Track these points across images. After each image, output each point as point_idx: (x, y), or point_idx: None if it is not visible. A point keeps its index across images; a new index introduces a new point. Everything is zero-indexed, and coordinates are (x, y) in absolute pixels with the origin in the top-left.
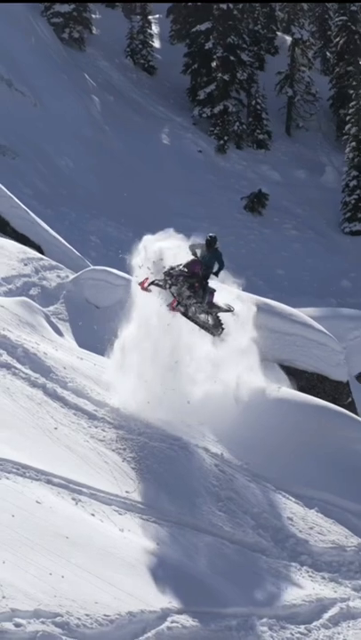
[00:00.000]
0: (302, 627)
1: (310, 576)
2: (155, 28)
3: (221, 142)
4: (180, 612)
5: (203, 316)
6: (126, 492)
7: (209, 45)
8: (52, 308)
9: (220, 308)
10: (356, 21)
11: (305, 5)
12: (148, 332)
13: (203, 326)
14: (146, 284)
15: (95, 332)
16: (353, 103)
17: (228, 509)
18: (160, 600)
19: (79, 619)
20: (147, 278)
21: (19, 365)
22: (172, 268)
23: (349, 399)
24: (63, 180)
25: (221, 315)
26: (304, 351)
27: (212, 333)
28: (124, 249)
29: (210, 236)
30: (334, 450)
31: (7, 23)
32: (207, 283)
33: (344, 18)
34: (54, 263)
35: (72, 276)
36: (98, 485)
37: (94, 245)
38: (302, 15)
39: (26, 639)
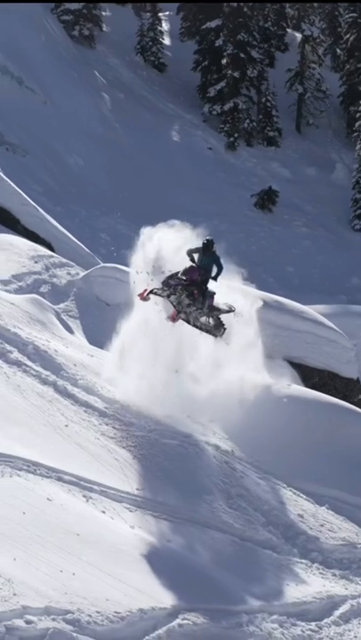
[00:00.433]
0: (313, 624)
1: (321, 573)
2: (165, 26)
3: (231, 139)
4: (190, 609)
5: (203, 319)
6: (137, 489)
7: (219, 42)
8: (62, 305)
9: (220, 310)
10: None
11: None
12: (148, 330)
13: (204, 329)
14: (145, 295)
15: (105, 329)
16: None
17: (239, 506)
18: (171, 597)
19: (90, 616)
20: (145, 290)
21: (29, 363)
22: (170, 277)
23: (360, 396)
24: (73, 178)
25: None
26: (315, 348)
27: (214, 335)
28: (133, 246)
29: (206, 240)
30: (345, 447)
31: (18, 21)
32: (206, 288)
33: (354, 14)
34: (65, 260)
35: (82, 274)
36: (109, 483)
37: (104, 243)
38: (312, 12)
39: (37, 636)
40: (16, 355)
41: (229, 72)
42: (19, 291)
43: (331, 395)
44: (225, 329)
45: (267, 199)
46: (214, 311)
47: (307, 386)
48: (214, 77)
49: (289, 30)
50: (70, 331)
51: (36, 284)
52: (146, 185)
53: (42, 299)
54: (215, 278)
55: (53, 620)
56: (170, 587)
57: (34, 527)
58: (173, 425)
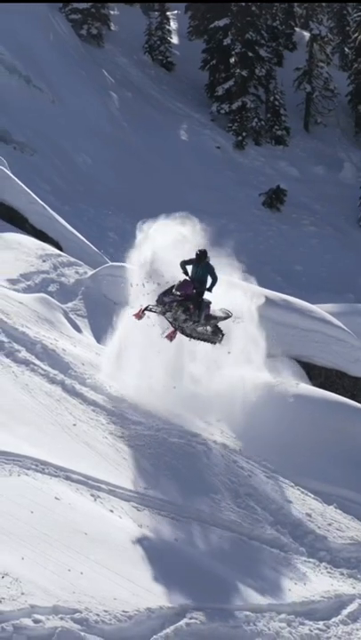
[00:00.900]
0: (321, 623)
1: (329, 572)
2: (173, 24)
3: (240, 138)
4: (198, 609)
5: (201, 329)
6: (145, 488)
7: (227, 41)
8: (70, 304)
9: (217, 318)
10: None
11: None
12: (145, 330)
13: (202, 339)
14: (140, 313)
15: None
16: None
17: (247, 505)
18: (178, 596)
19: (98, 615)
20: (140, 309)
21: (37, 362)
22: (164, 294)
23: None
24: (81, 177)
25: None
26: (323, 347)
27: (213, 342)
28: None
29: (200, 251)
30: (353, 446)
31: (26, 20)
32: (202, 300)
33: None
34: (72, 259)
35: (90, 273)
36: (116, 482)
37: (112, 242)
38: (321, 11)
39: (45, 635)
40: (24, 354)
41: (237, 71)
42: (27, 290)
43: (339, 394)
44: (223, 335)
45: (275, 198)
46: (211, 320)
47: (315, 385)
48: (222, 76)
49: (297, 29)
50: (78, 330)
51: (45, 283)
52: (154, 184)
53: (50, 298)
54: (210, 289)
55: (61, 619)
56: (177, 586)
57: (42, 526)
58: (181, 424)
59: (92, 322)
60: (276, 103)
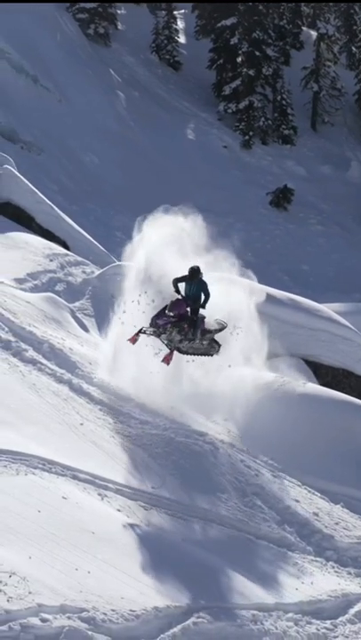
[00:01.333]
0: (328, 622)
1: (336, 571)
2: (180, 24)
3: (247, 138)
4: (205, 608)
5: (196, 344)
6: (152, 487)
7: (234, 41)
8: (77, 303)
9: (212, 332)
10: None
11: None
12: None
13: (199, 354)
14: (135, 336)
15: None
16: None
17: (254, 505)
18: (185, 595)
19: (105, 614)
20: (137, 333)
21: (45, 361)
22: (157, 316)
23: None
24: (88, 176)
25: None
26: (330, 346)
27: (210, 355)
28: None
29: (193, 267)
30: (360, 445)
31: (33, 20)
32: (197, 317)
33: None
34: (80, 259)
35: (97, 272)
36: (124, 481)
37: (120, 241)
38: (328, 10)
39: (52, 634)
40: (31, 353)
41: (245, 70)
42: (34, 289)
43: (345, 393)
44: (219, 346)
45: (282, 197)
46: (207, 334)
47: (321, 384)
48: (229, 75)
49: (304, 28)
50: (85, 329)
51: (52, 282)
52: (161, 183)
53: (57, 297)
54: (203, 306)
55: (69, 618)
56: (185, 585)
57: (49, 525)
58: (188, 423)
59: (99, 321)
60: (284, 102)
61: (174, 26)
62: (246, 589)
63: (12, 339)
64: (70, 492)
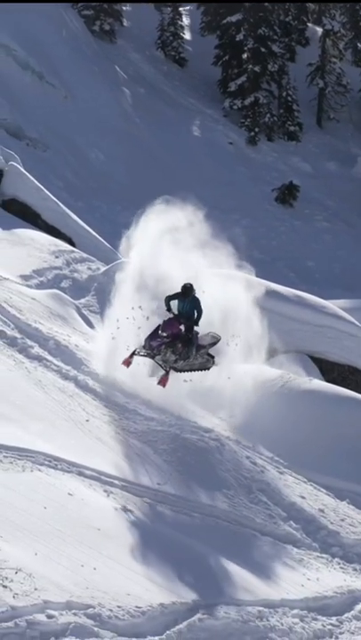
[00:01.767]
0: (334, 618)
1: (342, 568)
2: (185, 20)
3: (252, 134)
4: (211, 604)
5: (191, 361)
6: (158, 483)
7: (240, 37)
8: (83, 300)
9: (206, 347)
10: None
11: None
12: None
13: (194, 369)
14: (129, 359)
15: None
16: None
17: (260, 501)
18: (191, 592)
19: (111, 610)
20: (130, 356)
21: (50, 358)
22: (150, 338)
23: None
24: (94, 173)
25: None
26: (335, 343)
27: (206, 369)
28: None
29: (186, 285)
30: None
31: (38, 16)
32: (191, 335)
33: None
34: (85, 255)
35: (103, 269)
36: (129, 477)
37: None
38: (333, 6)
39: (58, 631)
40: (37, 350)
41: (250, 66)
42: (40, 286)
43: (351, 389)
44: (214, 359)
45: (288, 194)
46: (201, 349)
47: (327, 380)
48: (235, 72)
49: (310, 24)
50: (91, 326)
51: (57, 279)
52: (166, 180)
53: (63, 294)
54: (196, 323)
55: (74, 614)
56: (191, 581)
57: (55, 522)
58: (194, 420)
59: (104, 318)
60: (289, 99)
61: (180, 22)
62: (252, 586)
63: (18, 335)
64: (76, 489)
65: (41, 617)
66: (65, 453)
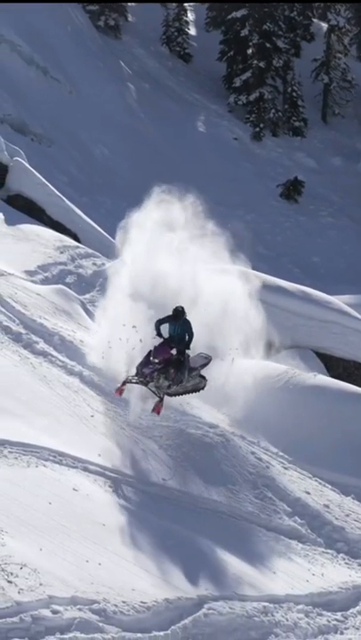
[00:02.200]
0: (339, 614)
1: (347, 563)
2: (190, 16)
3: (257, 129)
4: (216, 599)
5: (184, 384)
6: (163, 479)
7: (245, 32)
8: (88, 295)
9: (198, 369)
10: None
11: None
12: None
13: (187, 392)
14: (121, 387)
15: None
16: None
17: (265, 497)
18: (196, 587)
19: (116, 605)
20: (123, 384)
21: (55, 353)
22: (142, 365)
23: None
24: (99, 168)
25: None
26: (341, 338)
27: (200, 390)
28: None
29: (177, 308)
30: None
31: (43, 12)
32: (183, 359)
33: None
34: (90, 251)
35: (108, 264)
36: (135, 473)
37: None
38: (338, 1)
39: (63, 626)
40: (42, 345)
41: (255, 62)
42: (44, 281)
43: (357, 385)
44: (206, 380)
45: (292, 189)
46: (193, 372)
47: (332, 376)
48: (240, 67)
49: (315, 20)
50: None
51: (62, 274)
52: (171, 175)
53: (67, 289)
54: (188, 346)
55: (80, 609)
56: (195, 576)
57: (60, 517)
58: (199, 415)
59: None
60: (294, 94)
61: (185, 18)
62: (257, 581)
63: (23, 331)
64: (81, 484)
65: (46, 612)
66: (70, 449)
